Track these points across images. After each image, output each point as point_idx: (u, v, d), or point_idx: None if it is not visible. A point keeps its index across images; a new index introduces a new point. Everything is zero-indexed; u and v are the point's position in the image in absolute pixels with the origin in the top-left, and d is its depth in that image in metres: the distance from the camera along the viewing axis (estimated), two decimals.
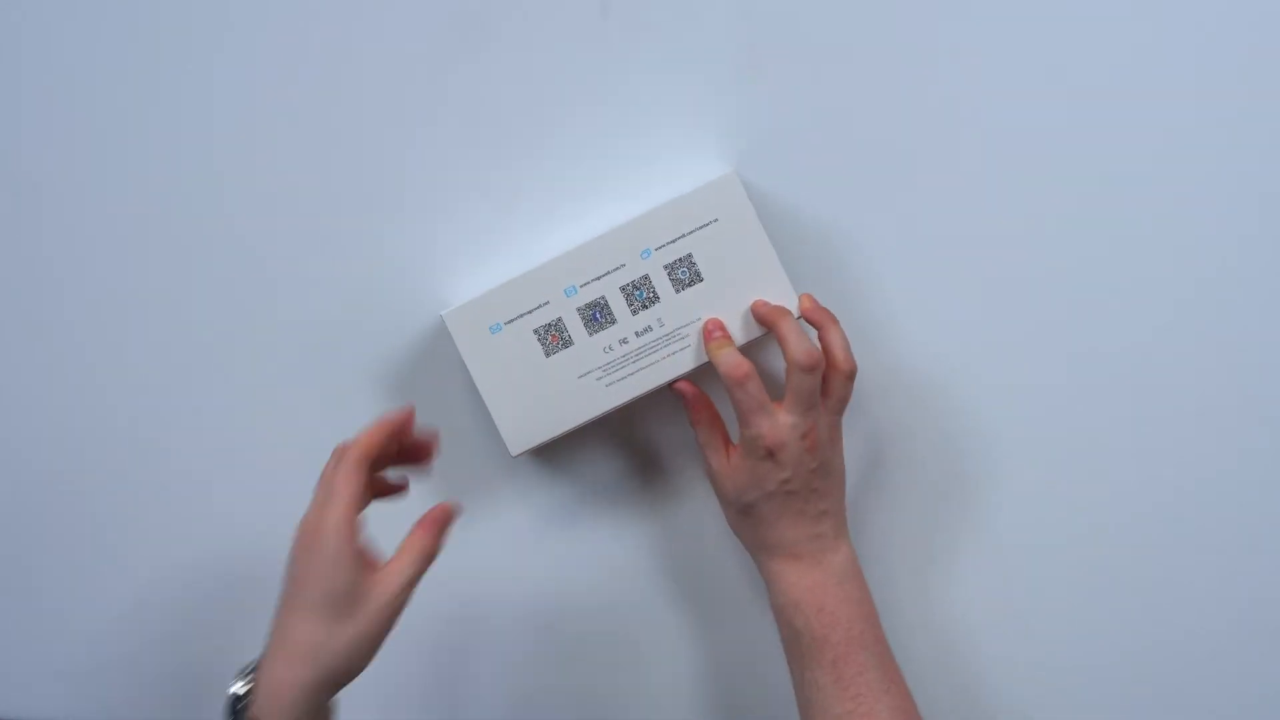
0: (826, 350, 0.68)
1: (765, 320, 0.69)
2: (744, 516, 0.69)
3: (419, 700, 0.77)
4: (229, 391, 0.76)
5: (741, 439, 0.67)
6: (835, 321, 0.68)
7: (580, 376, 0.70)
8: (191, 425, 0.77)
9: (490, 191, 0.73)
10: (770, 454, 0.66)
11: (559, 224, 0.72)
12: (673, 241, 0.69)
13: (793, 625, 0.67)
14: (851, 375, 0.68)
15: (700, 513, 0.76)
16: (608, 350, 0.70)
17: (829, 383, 0.68)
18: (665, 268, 0.69)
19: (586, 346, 0.70)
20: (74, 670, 0.79)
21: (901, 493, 0.75)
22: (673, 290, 0.69)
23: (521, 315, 0.69)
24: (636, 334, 0.70)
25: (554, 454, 0.76)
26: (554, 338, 0.69)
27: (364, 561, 0.61)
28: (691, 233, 0.69)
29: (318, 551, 0.60)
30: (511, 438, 0.70)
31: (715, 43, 0.72)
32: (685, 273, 0.69)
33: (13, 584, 0.79)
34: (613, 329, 0.70)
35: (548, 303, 0.69)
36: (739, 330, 0.70)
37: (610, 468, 0.76)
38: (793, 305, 0.70)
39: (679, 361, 0.70)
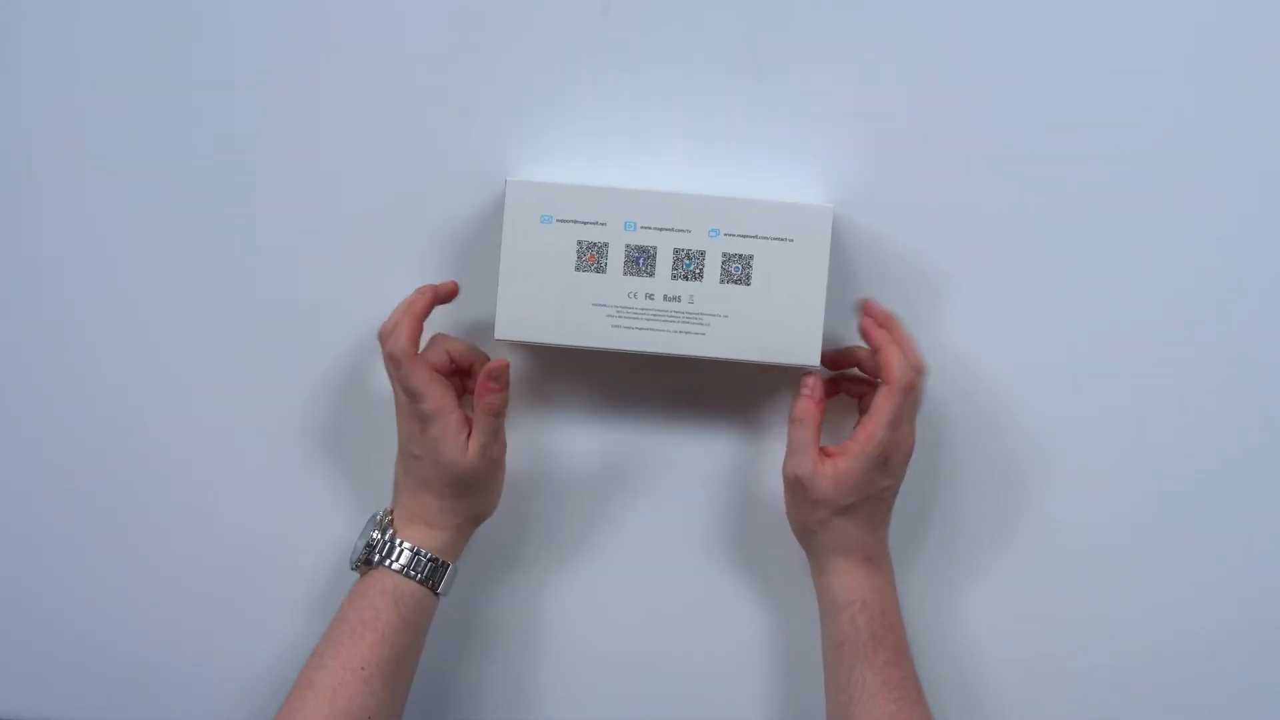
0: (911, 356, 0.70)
1: (874, 335, 0.70)
2: (834, 517, 0.68)
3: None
4: (227, 390, 0.77)
5: (869, 444, 0.67)
6: (900, 326, 0.71)
7: (595, 304, 0.70)
8: (194, 422, 0.77)
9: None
10: (887, 461, 0.68)
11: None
12: (743, 236, 0.69)
13: (855, 621, 0.68)
14: (924, 375, 0.70)
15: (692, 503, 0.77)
16: (631, 296, 0.69)
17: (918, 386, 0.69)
18: (724, 255, 0.69)
19: (615, 282, 0.69)
20: (74, 670, 0.79)
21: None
22: (718, 278, 0.69)
23: (575, 221, 0.69)
24: (665, 297, 0.69)
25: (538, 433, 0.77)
26: (591, 258, 0.69)
27: (461, 436, 0.68)
28: (764, 238, 0.69)
29: (425, 434, 0.68)
30: (504, 322, 0.70)
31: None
32: (738, 269, 0.69)
33: (13, 584, 0.79)
34: (647, 280, 0.69)
35: (604, 224, 0.69)
36: (758, 350, 0.69)
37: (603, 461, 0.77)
38: (815, 353, 0.69)
39: (688, 343, 0.70)
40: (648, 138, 0.74)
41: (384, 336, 0.69)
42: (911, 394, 0.68)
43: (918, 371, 0.69)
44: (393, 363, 0.68)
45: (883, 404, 0.67)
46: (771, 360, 0.70)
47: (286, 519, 0.77)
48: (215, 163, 0.76)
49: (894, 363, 0.68)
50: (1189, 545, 0.75)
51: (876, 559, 0.70)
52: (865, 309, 0.71)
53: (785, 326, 0.69)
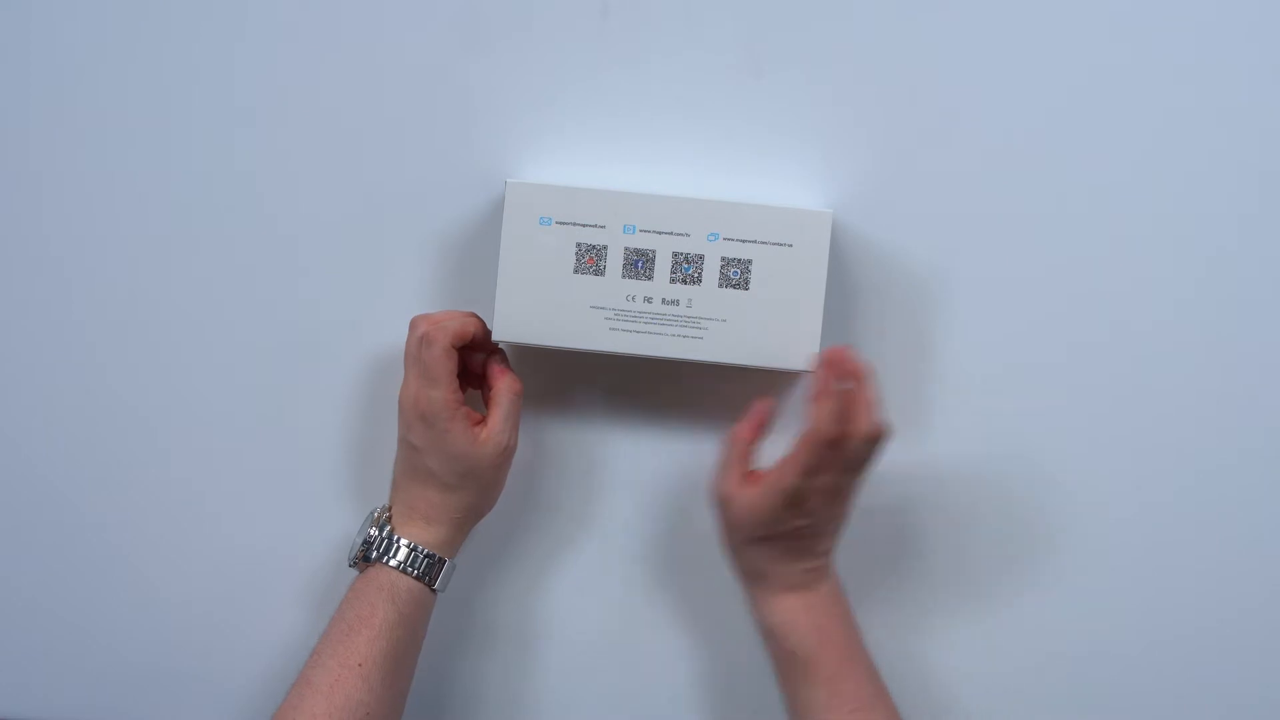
0: (852, 412, 0.64)
1: (819, 378, 0.66)
2: (748, 545, 0.68)
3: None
4: (225, 389, 0.77)
5: (781, 483, 0.65)
6: (865, 383, 0.65)
7: (593, 307, 0.70)
8: (193, 422, 0.77)
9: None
10: (800, 504, 0.65)
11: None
12: (742, 241, 0.69)
13: (785, 646, 0.67)
14: (872, 439, 0.65)
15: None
16: (630, 299, 0.69)
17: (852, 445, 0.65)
18: (722, 259, 0.69)
19: (614, 285, 0.69)
20: (74, 670, 0.79)
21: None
22: (716, 282, 0.69)
23: (575, 224, 0.69)
24: (664, 301, 0.70)
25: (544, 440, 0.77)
26: (590, 260, 0.69)
27: (470, 426, 0.68)
28: (763, 243, 0.69)
29: (432, 427, 0.68)
30: (502, 323, 0.70)
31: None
32: (737, 274, 0.69)
33: (13, 584, 0.79)
34: (645, 284, 0.69)
35: (604, 227, 0.69)
36: (755, 354, 0.70)
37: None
38: (813, 358, 0.69)
39: (686, 347, 0.70)
40: (647, 140, 0.74)
41: (429, 319, 0.69)
42: (837, 451, 0.63)
43: (851, 431, 0.63)
44: (426, 342, 0.68)
45: (799, 449, 0.64)
46: (769, 365, 0.70)
47: (285, 518, 0.78)
48: (215, 163, 0.76)
49: (819, 413, 0.63)
50: (1191, 548, 0.75)
51: (802, 586, 0.68)
52: (830, 359, 0.65)
53: (783, 331, 0.69)
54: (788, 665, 0.68)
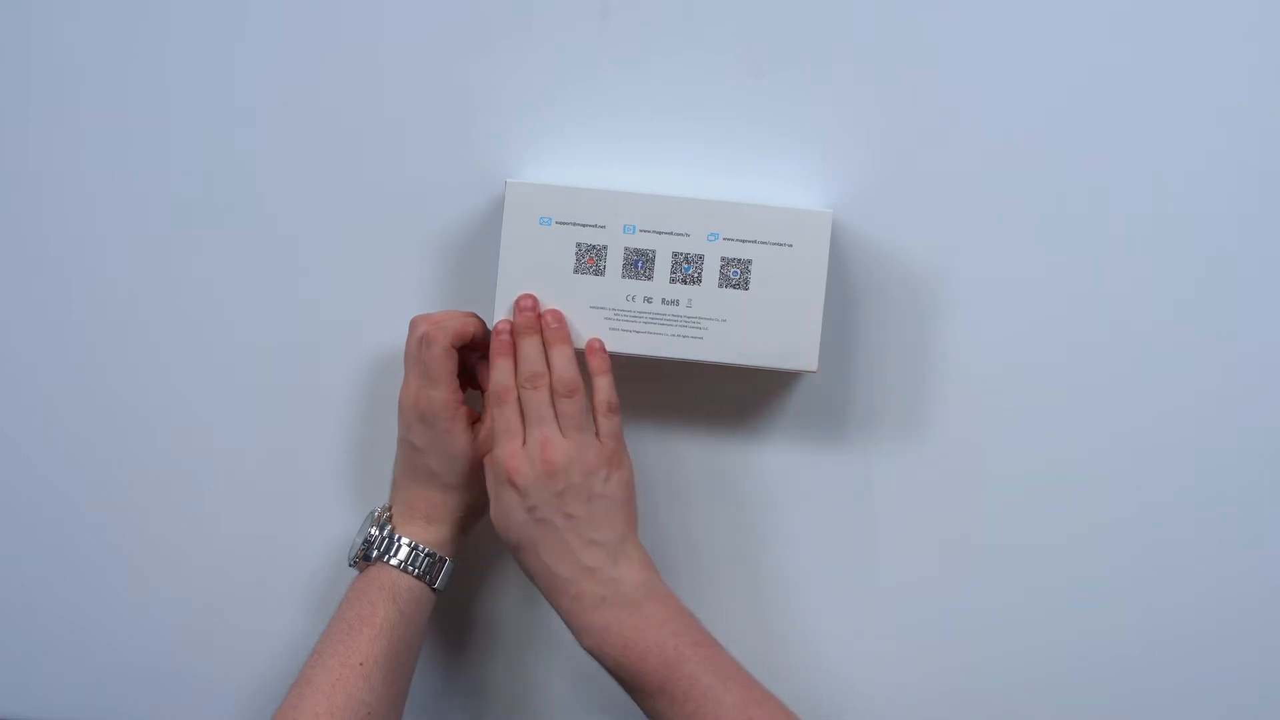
0: (549, 366, 0.68)
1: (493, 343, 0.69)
2: (517, 556, 0.68)
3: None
4: (225, 389, 0.77)
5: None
6: (565, 341, 0.69)
7: (592, 307, 0.70)
8: (193, 421, 0.77)
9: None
10: (509, 480, 0.66)
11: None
12: (742, 241, 0.69)
13: (607, 668, 0.67)
14: (567, 392, 0.67)
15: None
16: (630, 299, 0.70)
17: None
18: (722, 259, 0.69)
19: (614, 285, 0.69)
20: (74, 670, 0.79)
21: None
22: (716, 282, 0.69)
23: (574, 224, 0.69)
24: (664, 300, 0.70)
25: None
26: (590, 260, 0.70)
27: (470, 426, 0.69)
28: (763, 243, 0.69)
29: (432, 427, 0.68)
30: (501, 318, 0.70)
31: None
32: (736, 274, 0.69)
33: (13, 584, 0.79)
34: (645, 284, 0.69)
35: (604, 227, 0.69)
36: (755, 354, 0.70)
37: None
38: (813, 358, 0.69)
39: (686, 347, 0.70)
40: (647, 140, 0.74)
41: (429, 319, 0.69)
42: (527, 393, 0.67)
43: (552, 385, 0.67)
44: (426, 342, 0.68)
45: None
46: (769, 365, 0.70)
47: (285, 518, 0.78)
48: (215, 163, 0.76)
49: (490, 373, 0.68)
50: (1191, 548, 0.75)
51: (590, 593, 0.66)
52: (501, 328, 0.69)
53: (783, 331, 0.69)
54: (622, 685, 0.67)
